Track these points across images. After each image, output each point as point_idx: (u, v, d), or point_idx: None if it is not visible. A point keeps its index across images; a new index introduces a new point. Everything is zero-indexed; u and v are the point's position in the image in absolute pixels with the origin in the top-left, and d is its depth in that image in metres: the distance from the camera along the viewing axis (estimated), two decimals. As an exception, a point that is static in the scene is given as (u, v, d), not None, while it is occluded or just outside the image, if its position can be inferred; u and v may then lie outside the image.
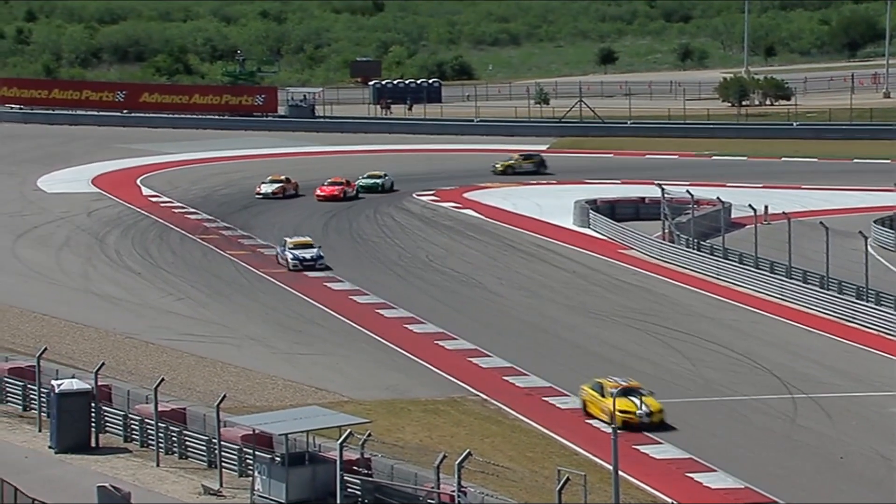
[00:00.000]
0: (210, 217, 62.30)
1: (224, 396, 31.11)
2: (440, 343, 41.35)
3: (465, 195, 68.79)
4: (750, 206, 52.39)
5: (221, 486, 29.74)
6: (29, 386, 34.81)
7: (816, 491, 29.88)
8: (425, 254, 54.91)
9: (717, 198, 57.19)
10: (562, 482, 23.77)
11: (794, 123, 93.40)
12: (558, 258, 54.48)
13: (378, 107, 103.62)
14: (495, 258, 54.38)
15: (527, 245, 56.93)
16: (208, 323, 43.90)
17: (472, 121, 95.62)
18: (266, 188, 65.51)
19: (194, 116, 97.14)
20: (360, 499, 27.93)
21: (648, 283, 50.27)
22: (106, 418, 33.08)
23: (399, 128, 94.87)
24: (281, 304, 46.45)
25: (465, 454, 25.31)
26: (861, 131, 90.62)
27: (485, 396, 36.25)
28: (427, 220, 62.16)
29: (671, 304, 47.23)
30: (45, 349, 35.07)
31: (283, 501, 27.63)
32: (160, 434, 31.56)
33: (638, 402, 33.13)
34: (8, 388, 35.45)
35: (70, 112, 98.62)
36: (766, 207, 57.37)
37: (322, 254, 49.56)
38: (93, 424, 32.54)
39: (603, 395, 33.54)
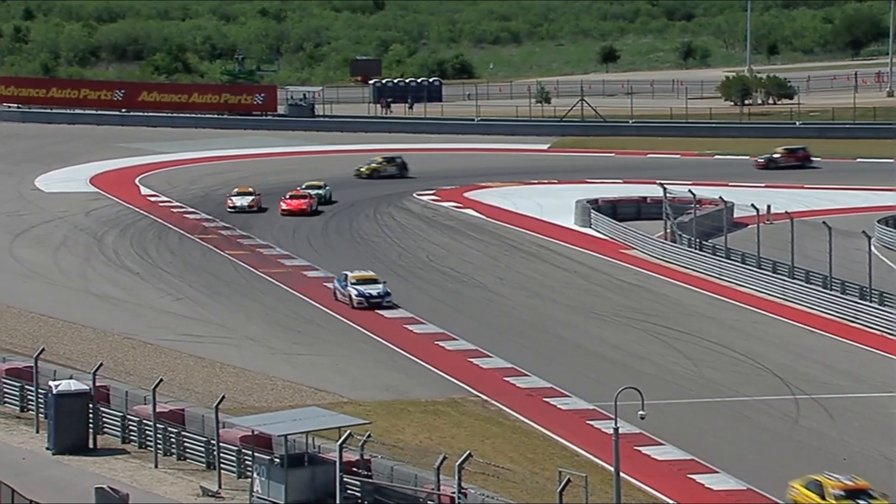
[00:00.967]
0: (209, 217, 62.30)
1: (223, 397, 31.11)
2: (440, 343, 41.37)
3: (466, 195, 68.79)
4: (752, 205, 52.40)
5: (220, 487, 29.74)
6: (26, 387, 34.80)
7: (819, 492, 29.81)
8: (426, 254, 54.91)
9: (720, 197, 57.20)
10: (563, 483, 23.78)
11: (797, 122, 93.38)
12: (559, 258, 54.48)
13: (378, 106, 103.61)
14: (496, 258, 54.38)
15: (528, 245, 56.93)
16: (207, 323, 43.91)
17: (473, 120, 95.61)
18: (239, 201, 61.83)
19: (193, 115, 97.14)
20: (359, 500, 27.93)
21: (650, 283, 50.28)
22: (104, 419, 33.08)
23: (399, 127, 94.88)
24: (280, 305, 46.45)
25: (465, 455, 25.31)
26: (864, 130, 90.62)
27: (485, 397, 36.29)
28: (427, 220, 62.15)
29: (673, 304, 47.22)
30: (43, 350, 35.07)
31: (282, 503, 27.62)
32: (158, 435, 31.56)
33: None
34: (5, 389, 35.45)
35: (68, 111, 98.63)
36: (768, 207, 57.39)
37: (389, 290, 44.77)
38: (91, 425, 32.54)
39: (823, 497, 28.05)
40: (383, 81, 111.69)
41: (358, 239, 57.72)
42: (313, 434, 28.87)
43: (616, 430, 23.62)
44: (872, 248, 46.79)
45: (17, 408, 35.14)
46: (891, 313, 43.29)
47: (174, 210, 64.08)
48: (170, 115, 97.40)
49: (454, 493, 25.35)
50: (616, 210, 61.59)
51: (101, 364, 33.83)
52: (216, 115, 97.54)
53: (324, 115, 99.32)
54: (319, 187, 63.85)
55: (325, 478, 27.53)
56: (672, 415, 34.15)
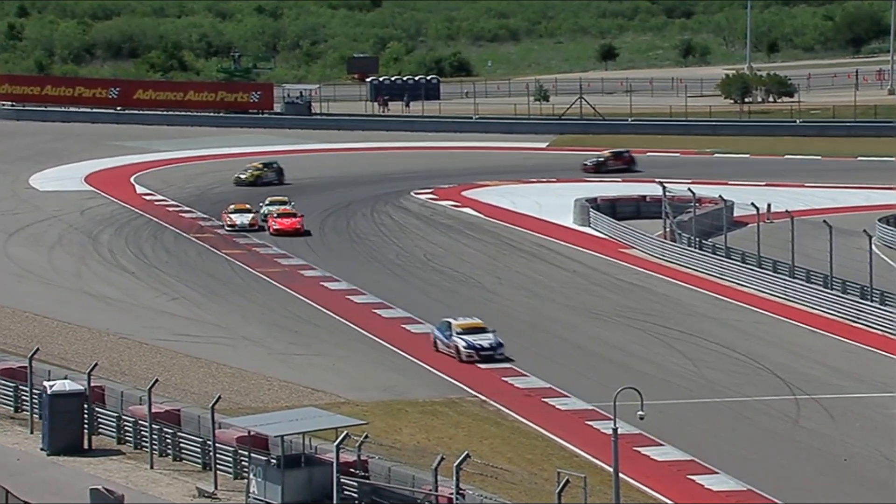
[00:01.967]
0: (205, 216, 62.29)
1: (219, 398, 31.10)
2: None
3: (464, 193, 68.80)
4: (752, 204, 52.41)
5: (216, 488, 29.73)
6: (21, 387, 34.78)
7: (819, 493, 29.90)
8: (423, 253, 54.91)
9: (720, 196, 57.22)
10: (561, 484, 23.79)
11: (798, 120, 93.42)
12: (558, 257, 54.49)
13: (375, 104, 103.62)
14: (494, 257, 54.39)
15: (526, 244, 56.94)
16: (203, 323, 43.90)
17: (471, 118, 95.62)
18: (239, 219, 57.05)
19: (189, 113, 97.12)
20: (356, 501, 27.93)
21: (650, 283, 50.29)
22: (99, 420, 33.07)
23: (397, 125, 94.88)
24: (277, 305, 46.44)
25: (463, 456, 25.32)
26: (865, 128, 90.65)
27: (483, 397, 36.26)
28: (425, 219, 62.16)
29: (672, 303, 47.23)
30: (38, 350, 35.05)
31: (278, 504, 27.65)
32: (154, 436, 31.55)
33: None
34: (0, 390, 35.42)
35: (63, 109, 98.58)
36: (768, 206, 57.41)
37: (501, 340, 38.93)
38: (86, 426, 32.52)
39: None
40: (380, 79, 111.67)
41: (355, 238, 57.72)
42: (310, 435, 28.88)
43: (615, 430, 23.64)
44: (873, 247, 46.80)
45: (12, 408, 35.13)
46: (892, 313, 43.30)
47: (170, 209, 64.05)
48: (165, 113, 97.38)
49: (452, 493, 25.36)
50: (615, 209, 61.60)
51: (96, 364, 33.82)
52: (212, 114, 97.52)
53: (320, 113, 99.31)
54: (285, 202, 58.87)
55: (322, 479, 27.54)
56: (672, 415, 34.15)
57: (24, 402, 34.47)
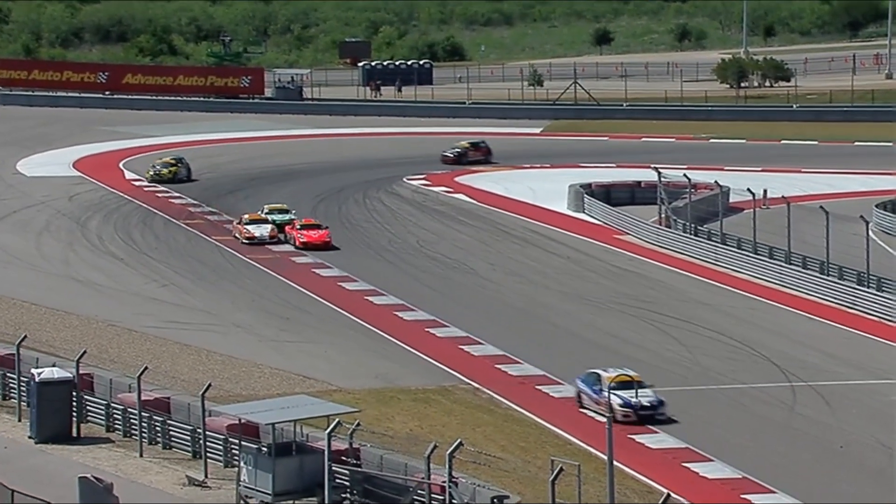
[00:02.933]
0: (195, 201, 62.20)
1: (209, 385, 31.08)
2: (431, 330, 41.41)
3: (457, 179, 68.75)
4: (748, 190, 52.42)
5: (206, 476, 29.73)
6: (8, 374, 34.74)
7: (815, 480, 29.96)
8: (416, 239, 54.89)
9: (715, 182, 57.24)
10: (555, 472, 23.82)
11: (794, 105, 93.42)
12: (552, 244, 54.49)
13: (367, 89, 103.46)
14: (488, 244, 54.37)
15: (520, 230, 56.93)
16: (193, 310, 43.86)
17: (464, 103, 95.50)
18: (257, 231, 52.27)
19: (179, 98, 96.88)
20: (348, 490, 27.94)
21: (644, 269, 50.30)
22: (88, 407, 33.04)
23: (389, 110, 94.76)
24: (267, 291, 46.41)
25: (456, 444, 25.33)
26: (862, 113, 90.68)
27: (476, 385, 36.27)
28: (417, 205, 62.13)
29: (667, 290, 47.24)
30: (25, 337, 34.99)
31: (269, 492, 27.62)
32: (143, 424, 31.53)
33: None
34: (-13, 377, 35.37)
35: (50, 94, 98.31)
36: (764, 191, 57.43)
37: (661, 397, 33.46)
38: (74, 414, 32.49)
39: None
40: (373, 64, 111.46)
41: (347, 224, 57.67)
42: (301, 422, 28.86)
43: (609, 418, 23.64)
44: (870, 232, 46.84)
45: (-1, 396, 35.07)
46: (889, 299, 43.36)
47: (159, 195, 63.94)
48: (155, 97, 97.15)
49: (445, 481, 25.35)
50: (610, 195, 61.60)
51: (84, 351, 33.77)
52: (202, 98, 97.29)
53: (312, 98, 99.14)
54: (286, 210, 54.73)
55: (313, 467, 27.53)
56: (666, 402, 34.14)
57: (12, 390, 34.43)
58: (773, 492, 29.09)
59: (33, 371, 32.74)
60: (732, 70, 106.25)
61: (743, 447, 31.84)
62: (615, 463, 23.68)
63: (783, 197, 50.90)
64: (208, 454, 30.16)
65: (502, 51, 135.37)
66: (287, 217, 53.96)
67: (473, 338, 40.36)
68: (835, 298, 45.14)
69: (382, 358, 38.83)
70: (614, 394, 32.78)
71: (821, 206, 47.80)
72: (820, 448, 31.98)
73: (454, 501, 25.11)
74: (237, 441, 29.41)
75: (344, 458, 28.11)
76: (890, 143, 79.89)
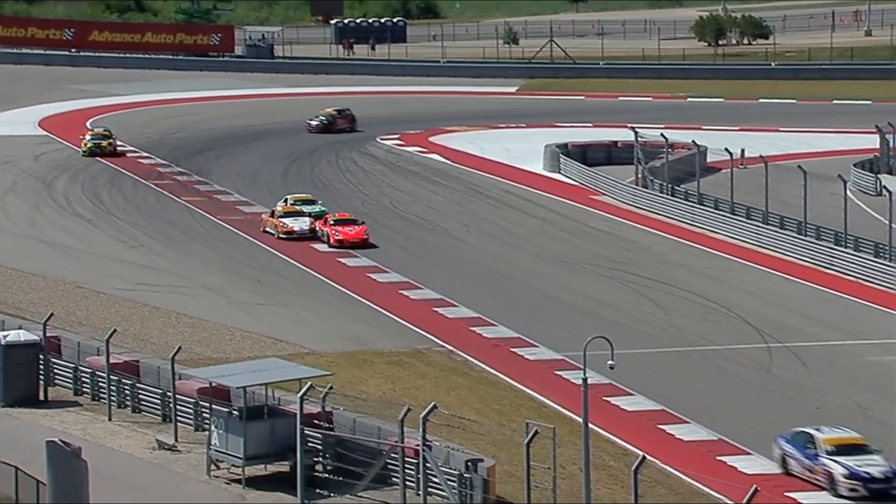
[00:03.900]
0: (164, 162, 61.90)
1: (179, 348, 31.03)
2: (404, 293, 41.33)
3: (431, 139, 68.60)
4: (726, 149, 52.50)
5: (176, 440, 29.72)
6: (-26, 338, 34.51)
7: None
8: (389, 200, 54.82)
9: (693, 141, 57.28)
10: (530, 435, 23.89)
11: (773, 63, 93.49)
12: (527, 204, 54.50)
13: (340, 47, 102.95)
14: (462, 204, 54.35)
15: (495, 191, 56.90)
16: (162, 272, 43.72)
17: (439, 62, 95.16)
18: (296, 224, 47.48)
19: (147, 56, 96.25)
20: (321, 453, 27.99)
21: (621, 230, 50.39)
22: (55, 371, 32.94)
23: (362, 69, 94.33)
24: (239, 253, 46.29)
25: (430, 407, 25.36)
26: (841, 71, 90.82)
27: (451, 348, 36.28)
28: (391, 166, 62.00)
29: (644, 251, 47.33)
30: (-9, 300, 34.82)
31: (240, 456, 27.63)
32: (112, 387, 31.47)
33: None
34: (-48, 341, 35.15)
35: (15, 51, 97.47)
36: (742, 151, 57.52)
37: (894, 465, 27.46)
38: (41, 377, 32.39)
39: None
40: (345, 21, 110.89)
41: (320, 185, 57.53)
42: (273, 386, 28.85)
43: (585, 380, 23.70)
44: (848, 192, 47.02)
45: (-35, 360, 34.86)
46: (867, 259, 43.59)
47: (128, 155, 63.58)
48: (122, 55, 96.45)
49: (418, 445, 25.40)
50: (586, 155, 61.60)
51: (51, 314, 33.64)
52: (171, 56, 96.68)
53: (283, 56, 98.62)
54: (311, 202, 49.77)
55: (285, 431, 27.54)
56: (642, 364, 34.33)
57: (-22, 354, 34.21)
58: (749, 453, 29.28)
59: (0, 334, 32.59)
60: (710, 28, 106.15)
61: (719, 409, 32.01)
62: (591, 425, 23.75)
63: (761, 156, 51.01)
64: (178, 418, 30.14)
65: (477, 8, 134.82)
66: (318, 208, 48.74)
67: (448, 300, 40.36)
68: (812, 259, 45.35)
69: (355, 321, 38.83)
70: (835, 461, 27.29)
71: (798, 166, 47.94)
72: (796, 409, 32.19)
73: (428, 465, 25.20)
74: (208, 405, 29.39)
75: (316, 421, 28.12)
76: (868, 102, 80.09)
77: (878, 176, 56.90)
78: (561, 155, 60.60)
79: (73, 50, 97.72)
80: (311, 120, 69.56)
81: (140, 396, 31.54)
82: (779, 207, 48.38)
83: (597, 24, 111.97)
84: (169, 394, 30.54)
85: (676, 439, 30.28)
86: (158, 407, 31.07)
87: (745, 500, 21.28)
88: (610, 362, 24.28)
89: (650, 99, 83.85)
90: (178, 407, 30.20)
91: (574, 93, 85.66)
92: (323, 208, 48.98)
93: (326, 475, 27.62)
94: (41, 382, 32.39)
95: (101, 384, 31.97)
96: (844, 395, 32.99)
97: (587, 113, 77.56)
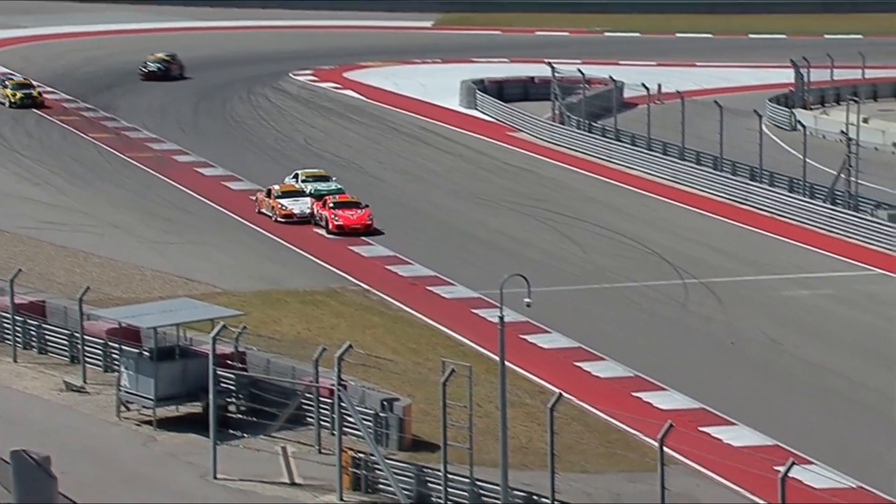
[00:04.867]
0: (70, 97, 60.77)
1: (87, 288, 30.61)
2: (319, 232, 41.09)
3: (346, 75, 68.04)
4: (643, 84, 52.67)
5: (85, 382, 29.40)
6: None
7: (707, 377, 30.54)
8: (303, 137, 54.37)
9: (609, 77, 57.39)
10: (446, 374, 23.90)
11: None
12: (443, 141, 54.35)
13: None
14: (377, 141, 54.07)
15: (410, 127, 56.66)
16: (69, 210, 43.04)
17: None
18: (296, 207, 41.94)
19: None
20: (234, 394, 27.84)
21: (537, 167, 50.47)
22: (-42, 313, 32.35)
23: (274, 3, 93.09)
24: (148, 191, 45.70)
25: (345, 347, 25.22)
26: (757, 5, 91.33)
27: (366, 286, 36.19)
28: (305, 102, 61.46)
29: (561, 188, 47.45)
30: None
31: (151, 398, 27.43)
32: (18, 328, 30.98)
33: None
34: None
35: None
36: (659, 86, 57.75)
37: None
38: (-56, 320, 31.81)
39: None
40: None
41: (231, 122, 56.90)
42: (184, 326, 28.59)
43: (501, 318, 23.72)
44: (763, 127, 47.43)
45: None
46: (782, 195, 44.09)
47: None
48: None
49: (333, 385, 25.36)
50: (502, 91, 61.49)
51: (-47, 255, 33.01)
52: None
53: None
54: (325, 178, 44.18)
55: (197, 371, 27.34)
56: (559, 302, 34.50)
57: None
58: (665, 389, 29.60)
59: None
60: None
61: (635, 345, 32.29)
62: (507, 364, 23.84)
63: (677, 92, 51.25)
64: (87, 359, 29.79)
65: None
66: (332, 185, 43.38)
67: (363, 239, 40.20)
68: (728, 194, 45.76)
69: (269, 259, 38.59)
70: None
71: (715, 101, 48.25)
72: (711, 344, 32.59)
73: (343, 405, 25.20)
74: (117, 345, 29.06)
75: (229, 362, 27.96)
76: (784, 36, 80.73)
77: (793, 111, 57.49)
78: (477, 91, 60.42)
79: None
80: (145, 67, 64.59)
81: (46, 337, 31.11)
82: (695, 143, 48.71)
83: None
84: (77, 335, 30.13)
85: (593, 376, 30.52)
86: (66, 348, 30.67)
87: (659, 436, 21.47)
88: (526, 300, 24.30)
89: (567, 34, 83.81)
90: (86, 348, 29.83)
91: (490, 27, 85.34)
92: (339, 186, 43.34)
93: (239, 416, 27.51)
94: (-56, 325, 31.80)
95: (5, 325, 31.45)
96: (759, 330, 33.42)
97: (503, 48, 77.38)
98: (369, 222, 41.01)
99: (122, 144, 51.98)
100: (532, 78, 62.82)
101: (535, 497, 23.27)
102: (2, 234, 40.02)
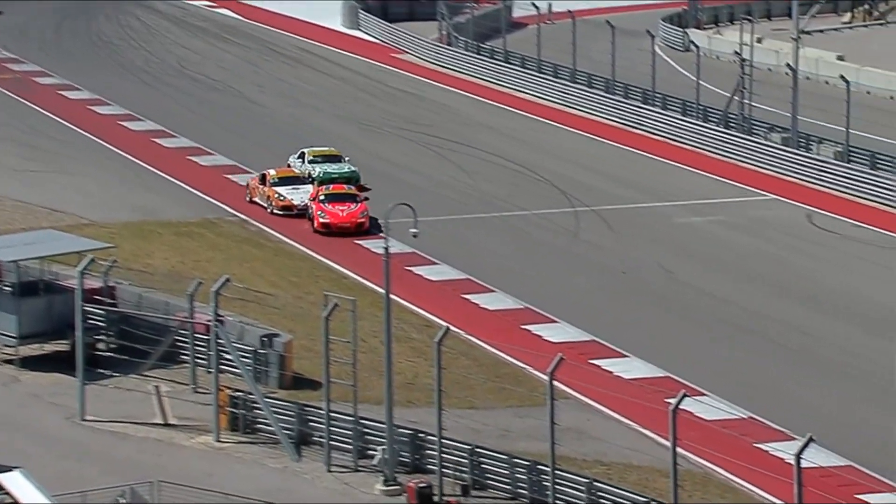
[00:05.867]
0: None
1: (-58, 221, 29.84)
2: (193, 159, 40.64)
3: (221, -8, 67.01)
4: (533, 4, 52.55)
5: (-58, 321, 28.67)
6: None
7: (598, 308, 30.74)
8: (176, 59, 53.50)
9: (498, -5, 57.14)
10: (329, 308, 23.75)
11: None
12: (325, 63, 53.85)
13: None
14: (255, 64, 53.43)
15: (290, 49, 56.03)
16: (-77, 138, 41.95)
17: None
18: (296, 196, 36.10)
19: None
20: (103, 331, 27.45)
21: (423, 90, 50.26)
22: None
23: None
24: (7, 116, 44.67)
25: (222, 280, 24.97)
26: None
27: (244, 217, 35.84)
28: (177, 21, 60.39)
29: (447, 112, 47.29)
30: None
31: (13, 335, 26.98)
32: None
33: None
34: None
35: None
36: (549, 5, 57.68)
37: None
38: None
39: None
40: None
41: (98, 42, 55.74)
42: (49, 259, 28.06)
43: (387, 249, 23.57)
44: (656, 48, 47.64)
45: None
46: (674, 118, 44.40)
47: None
48: None
49: (209, 320, 25.09)
50: (387, 10, 60.96)
51: None
52: None
53: None
54: (336, 158, 38.46)
55: (63, 307, 26.88)
56: (446, 232, 34.45)
57: None
58: (556, 321, 29.75)
59: None
60: None
61: (525, 276, 32.37)
62: (393, 297, 23.73)
63: (568, 11, 51.19)
64: (-56, 298, 29.03)
65: None
66: (345, 168, 37.80)
67: (241, 166, 39.76)
68: (620, 118, 45.97)
69: (140, 189, 38.04)
70: None
71: (607, 21, 48.30)
72: (602, 274, 32.81)
73: (220, 341, 24.97)
74: (-24, 282, 28.41)
75: (98, 297, 27.52)
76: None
77: (686, 31, 57.86)
78: (360, 10, 59.87)
79: None
80: None
81: None
82: (586, 65, 48.80)
83: None
84: (-69, 271, 29.34)
85: (481, 309, 30.58)
86: (-80, 285, 29.84)
87: (549, 370, 21.57)
88: (413, 230, 24.21)
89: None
90: (-58, 285, 29.07)
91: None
92: (352, 168, 37.79)
93: (109, 354, 27.16)
94: None
95: None
96: (651, 259, 33.71)
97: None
98: (361, 220, 34.60)
99: (-22, 66, 50.72)
100: (418, -4, 62.41)
101: (421, 435, 23.35)
102: None
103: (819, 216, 36.78)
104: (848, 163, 39.17)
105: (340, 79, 51.53)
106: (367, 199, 35.74)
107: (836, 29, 60.32)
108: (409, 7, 61.89)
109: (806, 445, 19.22)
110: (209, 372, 25.33)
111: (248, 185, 37.22)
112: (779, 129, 41.83)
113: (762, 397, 25.87)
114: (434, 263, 32.89)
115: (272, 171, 36.97)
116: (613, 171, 41.09)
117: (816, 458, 20.52)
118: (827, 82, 48.93)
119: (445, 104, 48.60)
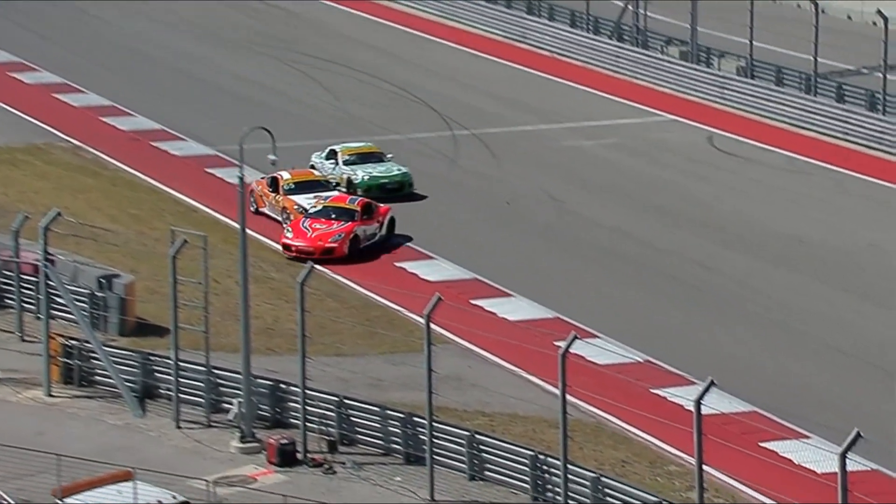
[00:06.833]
0: None
1: None
2: (16, 76, 40.11)
3: None
4: None
5: None
6: None
7: (479, 242, 30.56)
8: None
9: None
10: (176, 245, 23.29)
11: None
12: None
13: None
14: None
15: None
16: None
17: None
18: (305, 201, 30.92)
19: None
20: (-84, 275, 26.61)
21: (287, 4, 49.74)
22: None
23: None
24: None
25: (52, 214, 24.44)
26: None
27: (77, 142, 35.36)
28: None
29: (313, 25, 46.72)
30: None
31: None
32: None
33: None
34: None
35: None
36: None
37: None
38: None
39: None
40: None
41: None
42: None
43: (241, 178, 23.15)
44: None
45: None
46: (561, 30, 44.27)
47: None
48: None
49: (38, 260, 24.53)
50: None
51: None
52: None
53: None
54: (377, 157, 33.45)
55: None
56: (308, 159, 34.02)
57: None
58: (431, 258, 29.49)
59: None
60: None
61: (398, 208, 31.89)
62: (249, 231, 23.33)
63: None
64: None
65: None
66: (393, 169, 32.93)
67: (73, 85, 39.19)
68: (503, 31, 45.75)
69: (-44, 111, 37.32)
70: None
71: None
72: (484, 204, 32.65)
73: (51, 283, 24.44)
74: None
75: None
76: None
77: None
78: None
79: None
80: None
81: None
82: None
83: None
84: None
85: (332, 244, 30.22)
86: None
87: (426, 312, 21.30)
88: (271, 157, 23.85)
89: None
90: None
91: None
92: (402, 169, 32.98)
93: (-77, 301, 26.46)
94: None
95: None
96: (536, 186, 33.59)
97: None
98: (332, 245, 29.33)
99: None
100: None
101: (282, 385, 23.05)
102: None
103: (720, 138, 36.96)
104: (752, 79, 39.33)
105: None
106: (365, 216, 30.04)
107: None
108: None
109: (706, 390, 19.20)
110: (38, 318, 24.78)
111: (252, 190, 31.22)
112: (677, 43, 41.87)
113: (659, 339, 25.89)
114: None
115: (286, 175, 31.34)
116: (496, 89, 40.93)
117: (718, 404, 20.51)
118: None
119: (312, 18, 48.16)
